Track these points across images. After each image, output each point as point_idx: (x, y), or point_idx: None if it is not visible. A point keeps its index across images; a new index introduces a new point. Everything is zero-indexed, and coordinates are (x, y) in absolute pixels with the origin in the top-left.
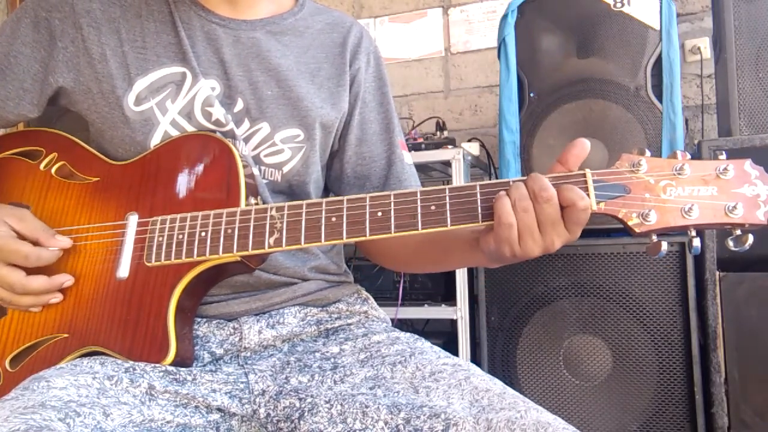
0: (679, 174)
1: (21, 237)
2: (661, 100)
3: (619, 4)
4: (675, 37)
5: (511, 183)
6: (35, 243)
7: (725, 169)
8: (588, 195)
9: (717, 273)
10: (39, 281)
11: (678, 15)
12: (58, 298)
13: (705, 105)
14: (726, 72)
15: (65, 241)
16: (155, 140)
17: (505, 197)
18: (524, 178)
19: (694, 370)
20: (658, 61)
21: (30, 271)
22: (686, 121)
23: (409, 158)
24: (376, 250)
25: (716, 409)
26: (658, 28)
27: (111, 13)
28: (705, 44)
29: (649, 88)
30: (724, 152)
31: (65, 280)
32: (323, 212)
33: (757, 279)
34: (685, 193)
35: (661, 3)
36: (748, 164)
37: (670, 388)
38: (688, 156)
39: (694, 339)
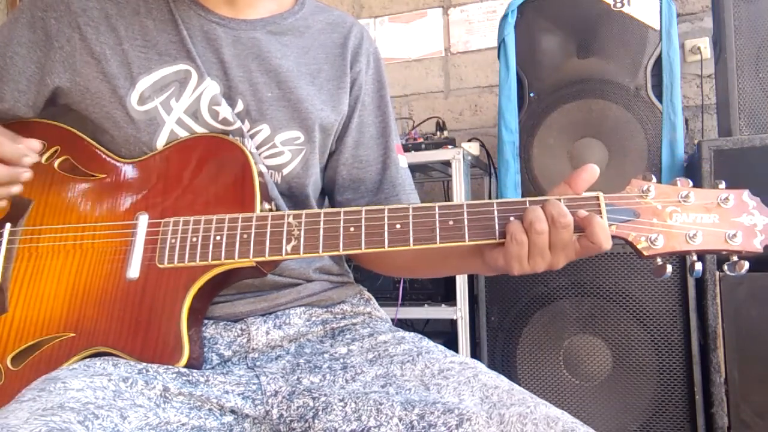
0: (684, 201)
1: None
2: (661, 100)
3: (619, 4)
4: (675, 37)
5: (528, 203)
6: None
7: (726, 198)
8: (601, 218)
9: (717, 273)
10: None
11: (678, 15)
12: (27, 174)
13: (705, 105)
14: (726, 72)
15: (35, 144)
16: (161, 140)
17: (516, 220)
18: (539, 199)
19: (694, 370)
20: (658, 61)
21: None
22: (686, 121)
23: (404, 162)
24: (368, 258)
25: (716, 409)
26: (658, 28)
27: (107, 10)
28: (705, 44)
29: (649, 88)
30: (723, 182)
31: (36, 146)
32: (341, 222)
33: (757, 279)
34: (690, 219)
35: (661, 3)
36: (746, 194)
37: (670, 388)
38: (691, 183)
39: (694, 339)
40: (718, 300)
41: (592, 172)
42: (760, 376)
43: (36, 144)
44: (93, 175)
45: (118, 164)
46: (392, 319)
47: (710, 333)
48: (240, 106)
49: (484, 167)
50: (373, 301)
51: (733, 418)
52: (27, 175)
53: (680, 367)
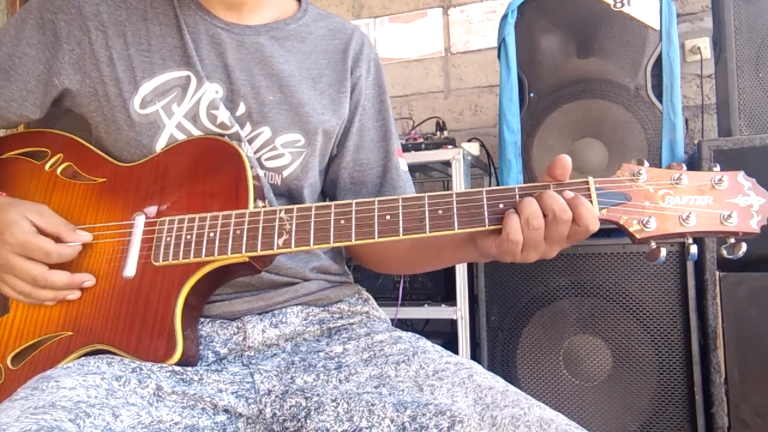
0: (676, 183)
1: (42, 232)
2: (661, 100)
3: (619, 4)
4: (675, 37)
5: (516, 191)
6: (56, 238)
7: (720, 180)
8: (591, 202)
9: (717, 273)
10: (61, 276)
11: (678, 15)
12: (76, 294)
13: (705, 105)
14: (726, 72)
15: (86, 236)
16: (161, 143)
17: (515, 215)
18: (531, 187)
19: (694, 370)
20: (658, 61)
21: (52, 265)
22: (686, 121)
23: (404, 165)
24: (367, 254)
25: (716, 409)
26: (658, 28)
27: (117, 15)
28: (705, 44)
29: (649, 88)
30: (718, 165)
31: (86, 279)
32: (332, 215)
33: (757, 279)
34: (683, 201)
35: (661, 3)
36: (741, 176)
37: (670, 388)
38: (685, 167)
39: (694, 339)
40: (718, 300)
41: (564, 165)
42: (760, 376)
43: (91, 279)
44: (94, 180)
45: (118, 168)
46: (392, 320)
47: (710, 333)
48: (242, 109)
49: (484, 167)
50: (372, 300)
51: (733, 418)
52: (74, 297)
53: (680, 367)
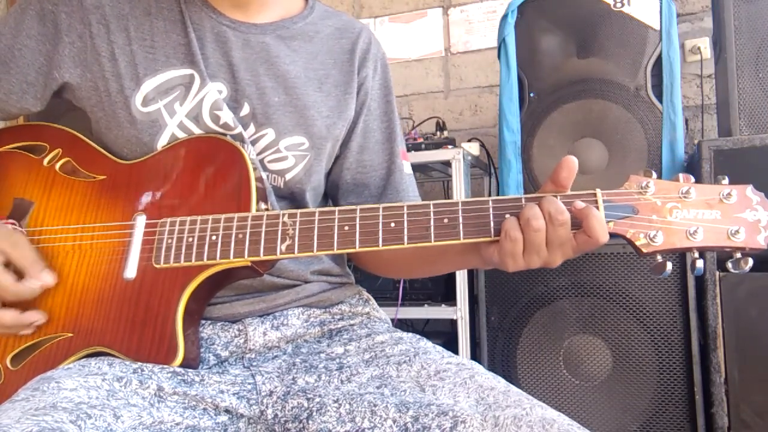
0: (685, 197)
1: (9, 262)
2: (661, 100)
3: (619, 4)
4: (675, 37)
5: (523, 200)
6: (21, 273)
7: (728, 194)
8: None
9: (717, 273)
10: (9, 316)
11: (678, 15)
12: (28, 331)
13: (705, 105)
14: (726, 72)
15: (49, 279)
16: (162, 142)
17: (512, 217)
18: (535, 196)
19: (694, 370)
20: (658, 61)
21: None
22: (686, 121)
23: (408, 168)
24: (368, 259)
25: (716, 409)
26: (658, 28)
27: (120, 9)
28: (705, 44)
29: (649, 88)
30: (726, 177)
31: (35, 319)
32: (336, 221)
33: (757, 279)
34: (690, 215)
35: (661, 3)
36: (749, 190)
37: (670, 388)
38: (692, 179)
39: (694, 339)
40: (718, 300)
41: (570, 166)
42: (760, 376)
43: (41, 318)
44: (93, 177)
45: (118, 165)
46: (392, 320)
47: (710, 333)
48: (246, 110)
49: (484, 167)
50: (372, 301)
51: (733, 418)
52: (26, 332)
53: (680, 367)
